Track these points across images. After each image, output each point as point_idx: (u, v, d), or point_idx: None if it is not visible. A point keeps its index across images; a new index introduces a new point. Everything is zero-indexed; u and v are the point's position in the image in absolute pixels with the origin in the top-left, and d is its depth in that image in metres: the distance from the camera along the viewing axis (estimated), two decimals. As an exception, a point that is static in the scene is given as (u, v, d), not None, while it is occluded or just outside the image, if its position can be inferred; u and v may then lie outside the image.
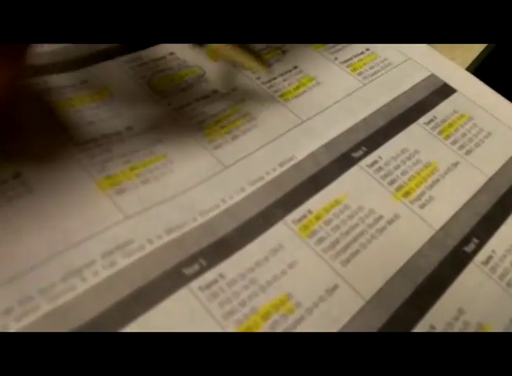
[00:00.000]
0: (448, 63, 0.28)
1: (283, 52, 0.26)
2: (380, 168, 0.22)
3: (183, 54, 0.24)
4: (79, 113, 0.21)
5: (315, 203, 0.21)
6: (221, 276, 0.18)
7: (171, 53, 0.24)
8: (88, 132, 0.20)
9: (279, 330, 0.17)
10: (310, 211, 0.20)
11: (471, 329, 0.18)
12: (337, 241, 0.19)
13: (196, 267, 0.18)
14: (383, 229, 0.20)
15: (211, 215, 0.19)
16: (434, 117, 0.25)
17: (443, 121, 0.25)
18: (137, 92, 0.22)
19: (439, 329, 0.18)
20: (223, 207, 0.19)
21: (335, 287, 0.18)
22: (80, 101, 0.21)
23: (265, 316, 0.17)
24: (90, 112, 0.21)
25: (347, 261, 0.19)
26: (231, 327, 0.16)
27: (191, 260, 0.18)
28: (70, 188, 0.19)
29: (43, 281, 0.16)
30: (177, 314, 0.16)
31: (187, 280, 0.17)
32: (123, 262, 0.17)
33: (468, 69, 0.29)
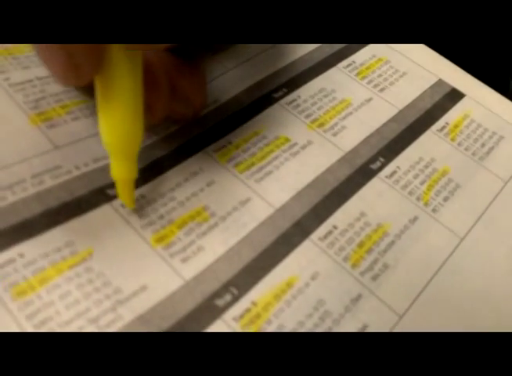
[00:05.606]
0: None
1: None
2: (297, 105, 0.24)
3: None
4: (16, 60, 0.23)
5: (237, 135, 0.22)
6: (142, 196, 0.19)
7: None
8: (24, 75, 0.22)
9: (192, 236, 0.19)
10: (230, 142, 0.22)
11: (371, 228, 0.20)
12: (252, 164, 0.21)
13: (118, 188, 0.19)
14: (296, 153, 0.22)
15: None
16: (348, 56, 0.27)
17: (361, 64, 0.27)
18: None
19: (341, 228, 0.20)
20: (149, 142, 0.21)
21: (248, 200, 0.20)
22: (17, 50, 0.23)
23: (181, 225, 0.19)
24: (26, 59, 0.23)
25: (261, 179, 0.21)
26: (149, 235, 0.18)
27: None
28: (4, 121, 0.20)
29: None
30: (100, 225, 0.18)
31: (110, 199, 0.19)
32: (51, 182, 0.19)
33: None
